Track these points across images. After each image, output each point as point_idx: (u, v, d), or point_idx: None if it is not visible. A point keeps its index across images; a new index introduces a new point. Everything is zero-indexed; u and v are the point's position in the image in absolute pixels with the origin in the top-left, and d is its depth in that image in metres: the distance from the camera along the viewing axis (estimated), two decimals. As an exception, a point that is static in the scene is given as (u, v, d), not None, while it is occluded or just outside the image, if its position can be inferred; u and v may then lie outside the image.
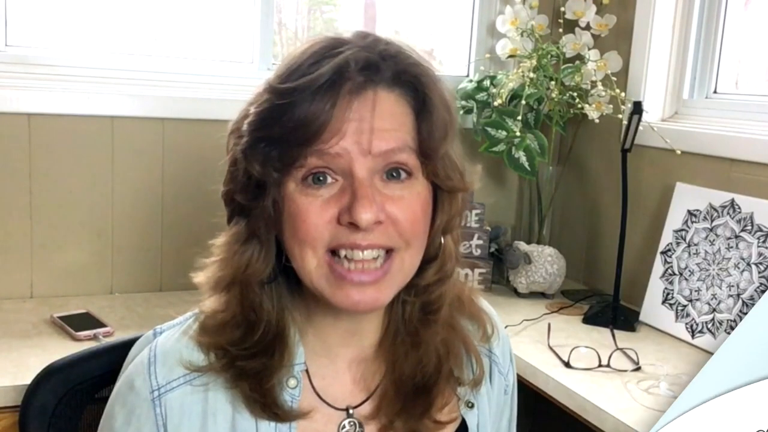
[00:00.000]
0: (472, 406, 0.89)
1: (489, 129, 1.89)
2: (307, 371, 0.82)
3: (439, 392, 0.84)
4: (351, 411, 0.83)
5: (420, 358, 0.83)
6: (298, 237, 0.74)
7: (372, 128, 0.72)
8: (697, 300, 1.62)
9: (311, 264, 0.75)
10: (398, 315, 0.84)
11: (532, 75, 1.85)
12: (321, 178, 0.74)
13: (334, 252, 0.75)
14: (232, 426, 0.79)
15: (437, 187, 0.79)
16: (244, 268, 0.78)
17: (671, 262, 1.70)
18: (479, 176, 0.83)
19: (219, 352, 0.79)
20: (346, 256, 0.74)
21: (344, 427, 0.83)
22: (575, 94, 1.86)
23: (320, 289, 0.76)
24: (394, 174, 0.75)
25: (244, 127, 0.76)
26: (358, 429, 0.83)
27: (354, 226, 0.72)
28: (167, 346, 0.81)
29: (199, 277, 0.82)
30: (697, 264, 1.64)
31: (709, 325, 1.58)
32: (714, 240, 1.62)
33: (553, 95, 1.85)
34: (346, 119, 0.72)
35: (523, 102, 1.82)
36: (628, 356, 1.48)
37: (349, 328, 0.83)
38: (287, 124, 0.72)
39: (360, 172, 0.73)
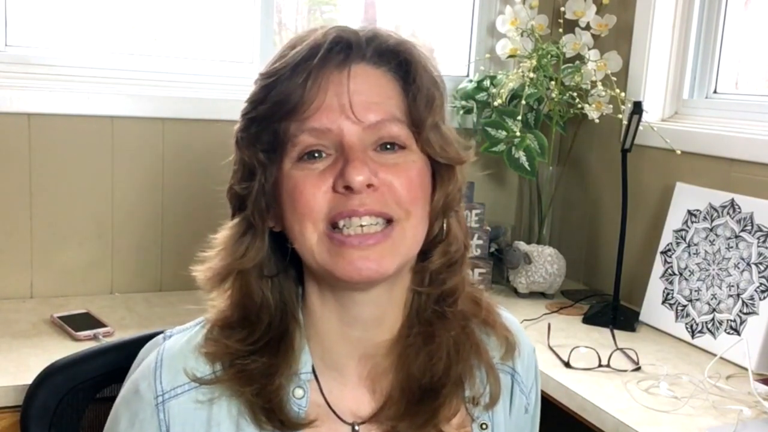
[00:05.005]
0: (487, 428, 0.87)
1: (489, 129, 1.89)
2: (314, 380, 0.82)
3: (445, 400, 0.82)
4: (357, 427, 0.82)
5: (431, 354, 0.82)
6: (298, 211, 0.76)
7: (357, 100, 0.75)
8: (697, 300, 1.62)
9: (312, 239, 0.76)
10: (413, 310, 0.84)
11: (532, 75, 1.85)
12: (316, 155, 0.76)
13: (334, 226, 0.75)
14: None
15: (434, 162, 0.80)
16: (240, 256, 0.79)
17: (671, 262, 1.70)
18: (473, 150, 0.84)
19: (225, 361, 0.79)
20: (345, 226, 0.75)
21: None
22: (575, 94, 1.86)
23: (322, 262, 0.76)
24: (388, 146, 0.77)
25: (239, 117, 0.80)
26: None
27: (349, 190, 0.74)
28: (174, 351, 0.81)
29: (199, 271, 0.82)
30: (697, 264, 1.64)
31: (709, 325, 1.58)
32: (714, 240, 1.62)
33: (553, 95, 1.85)
34: (331, 93, 0.75)
35: (523, 102, 1.82)
36: (628, 356, 1.48)
37: (360, 337, 0.82)
38: (269, 102, 0.76)
39: (350, 139, 0.75)
